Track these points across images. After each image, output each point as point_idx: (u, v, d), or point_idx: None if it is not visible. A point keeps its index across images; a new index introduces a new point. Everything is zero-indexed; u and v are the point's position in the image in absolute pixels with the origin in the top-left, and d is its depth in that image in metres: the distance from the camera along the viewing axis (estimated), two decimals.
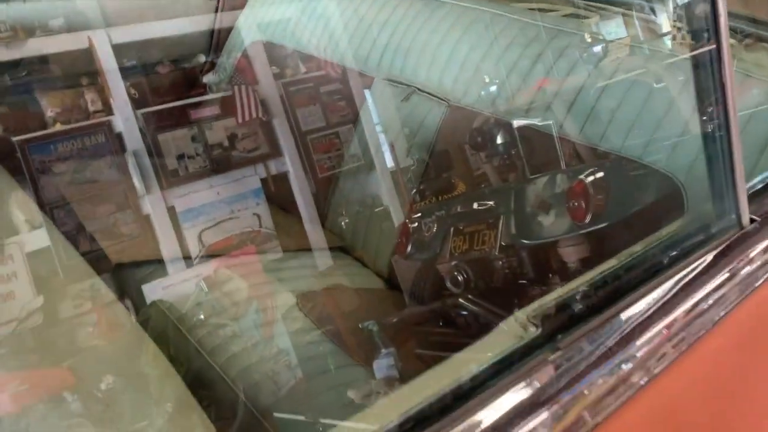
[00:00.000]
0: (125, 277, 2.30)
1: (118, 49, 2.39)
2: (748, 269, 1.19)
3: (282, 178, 2.66)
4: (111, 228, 2.27)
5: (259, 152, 2.62)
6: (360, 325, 1.76)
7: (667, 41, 2.14)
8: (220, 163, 2.54)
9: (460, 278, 1.88)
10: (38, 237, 1.92)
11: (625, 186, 1.68)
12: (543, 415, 0.78)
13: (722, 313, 1.07)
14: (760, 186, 1.43)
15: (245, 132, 2.61)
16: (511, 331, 0.87)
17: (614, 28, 2.16)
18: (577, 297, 0.96)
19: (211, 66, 2.93)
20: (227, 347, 1.93)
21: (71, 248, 2.11)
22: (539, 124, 1.97)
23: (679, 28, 2.10)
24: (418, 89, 2.45)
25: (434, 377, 0.80)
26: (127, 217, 2.31)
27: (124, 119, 2.37)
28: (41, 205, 2.15)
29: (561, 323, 0.90)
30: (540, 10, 2.34)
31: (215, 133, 2.56)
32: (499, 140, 2.00)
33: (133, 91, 2.46)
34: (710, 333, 1.03)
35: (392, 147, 2.54)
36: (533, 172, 1.89)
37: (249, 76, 2.68)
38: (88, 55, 2.34)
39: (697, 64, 1.23)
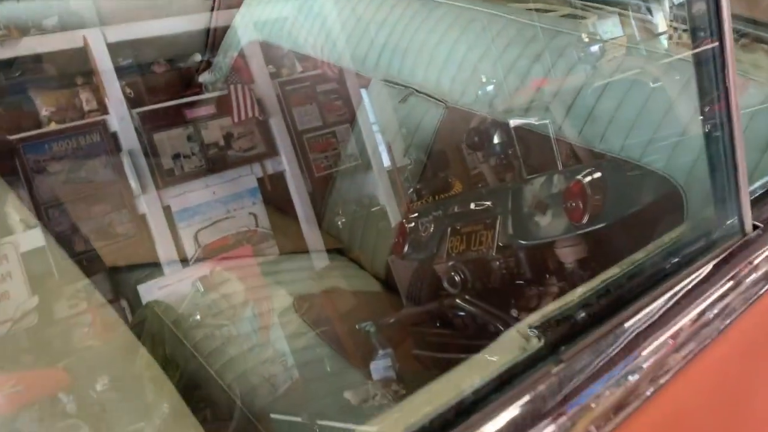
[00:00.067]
0: (120, 277, 2.29)
1: (114, 48, 2.38)
2: (752, 277, 1.16)
3: (278, 178, 2.65)
4: (106, 228, 2.26)
5: (255, 152, 2.61)
6: (357, 326, 1.75)
7: (664, 41, 2.14)
8: (216, 162, 2.53)
9: (457, 278, 1.87)
10: (33, 237, 1.90)
11: (622, 187, 1.68)
12: (550, 429, 0.78)
13: (727, 322, 1.06)
14: (762, 191, 1.37)
15: (241, 131, 2.60)
16: (513, 344, 0.85)
17: (611, 27, 2.16)
18: (580, 307, 0.94)
19: (207, 65, 2.91)
20: (224, 349, 1.92)
21: (66, 248, 2.10)
22: (536, 123, 1.97)
23: (675, 28, 2.11)
24: (416, 90, 2.44)
25: (436, 392, 0.78)
26: (123, 216, 2.30)
27: (120, 118, 2.36)
28: (36, 204, 2.15)
29: (563, 334, 0.88)
30: (537, 10, 2.33)
31: (211, 133, 2.55)
32: (496, 140, 1.99)
33: (128, 91, 2.45)
34: (715, 342, 1.02)
35: (389, 147, 2.54)
36: (530, 172, 1.88)
37: (245, 76, 2.66)
38: (82, 54, 2.33)
39: (698, 62, 1.19)
